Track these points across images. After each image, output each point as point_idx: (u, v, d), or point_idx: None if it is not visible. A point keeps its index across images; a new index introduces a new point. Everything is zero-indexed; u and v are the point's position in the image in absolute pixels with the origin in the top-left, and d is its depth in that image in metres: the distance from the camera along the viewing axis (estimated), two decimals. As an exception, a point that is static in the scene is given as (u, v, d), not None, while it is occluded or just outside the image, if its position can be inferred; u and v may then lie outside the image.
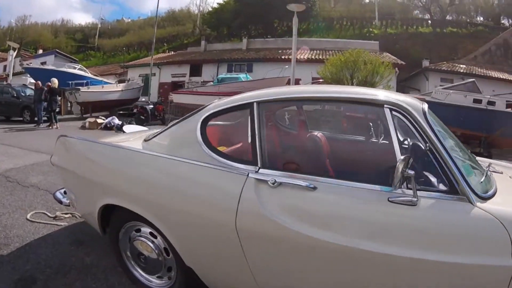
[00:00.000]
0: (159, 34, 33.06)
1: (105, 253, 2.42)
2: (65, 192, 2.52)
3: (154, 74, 21.81)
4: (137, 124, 11.27)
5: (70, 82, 15.86)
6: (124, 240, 2.07)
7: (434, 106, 9.37)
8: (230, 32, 30.57)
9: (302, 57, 19.58)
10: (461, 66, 20.51)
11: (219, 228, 1.58)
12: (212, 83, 16.47)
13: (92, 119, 11.59)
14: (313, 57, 20.08)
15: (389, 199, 1.29)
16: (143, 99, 17.75)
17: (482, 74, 18.49)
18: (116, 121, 11.15)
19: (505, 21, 31.15)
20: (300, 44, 21.62)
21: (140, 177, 1.83)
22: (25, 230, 2.80)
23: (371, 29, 28.49)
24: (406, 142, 1.75)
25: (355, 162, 2.06)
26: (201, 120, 1.80)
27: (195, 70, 22.10)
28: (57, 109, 11.32)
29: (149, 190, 1.77)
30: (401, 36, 28.10)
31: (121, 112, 14.48)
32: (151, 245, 1.90)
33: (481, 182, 1.45)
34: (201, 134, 1.76)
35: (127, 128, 10.81)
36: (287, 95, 1.85)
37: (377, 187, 1.36)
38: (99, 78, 18.81)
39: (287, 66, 13.45)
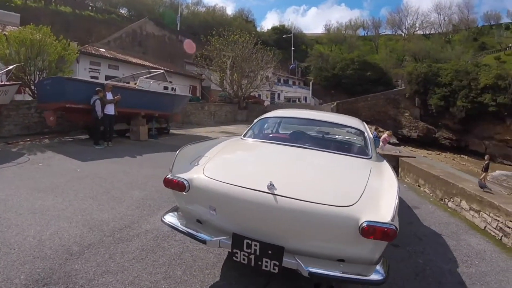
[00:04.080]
0: None
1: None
2: None
3: None
4: None
5: None
6: None
7: (140, 94, 10.60)
8: None
9: None
10: (101, 50, 23.00)
11: None
12: None
13: None
14: None
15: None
16: None
17: (124, 59, 22.16)
18: None
19: (123, 11, 41.67)
20: None
21: None
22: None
23: (12, -1, 26.80)
24: None
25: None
26: None
27: None
28: None
29: None
30: (43, 11, 28.62)
31: None
32: None
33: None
34: None
35: None
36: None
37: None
38: None
39: None
